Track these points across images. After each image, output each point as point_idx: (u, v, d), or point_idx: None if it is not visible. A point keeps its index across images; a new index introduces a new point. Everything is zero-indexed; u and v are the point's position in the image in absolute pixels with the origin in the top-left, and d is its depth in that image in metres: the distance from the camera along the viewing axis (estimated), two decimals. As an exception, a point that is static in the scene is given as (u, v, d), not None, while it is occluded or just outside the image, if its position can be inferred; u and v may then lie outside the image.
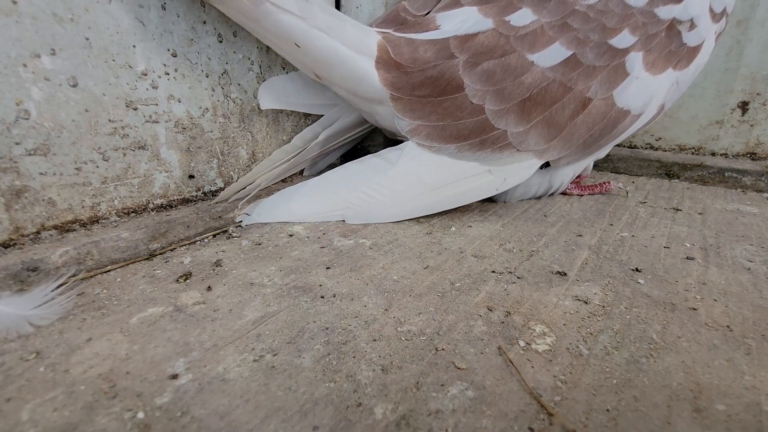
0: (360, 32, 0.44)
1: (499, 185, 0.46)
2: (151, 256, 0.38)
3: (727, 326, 0.28)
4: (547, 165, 0.49)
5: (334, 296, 0.32)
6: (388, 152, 0.47)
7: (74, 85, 0.36)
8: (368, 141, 0.68)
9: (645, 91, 0.45)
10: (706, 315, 0.29)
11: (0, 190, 0.34)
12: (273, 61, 0.53)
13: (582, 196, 0.56)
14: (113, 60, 0.38)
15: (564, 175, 0.52)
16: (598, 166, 0.72)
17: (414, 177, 0.45)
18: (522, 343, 0.26)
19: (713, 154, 0.70)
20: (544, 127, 0.43)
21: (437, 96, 0.44)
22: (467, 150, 0.44)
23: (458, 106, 0.43)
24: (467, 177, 0.45)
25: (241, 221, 0.45)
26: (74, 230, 0.38)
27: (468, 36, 0.43)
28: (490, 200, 0.53)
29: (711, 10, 0.46)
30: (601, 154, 0.51)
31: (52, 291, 0.30)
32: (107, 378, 0.23)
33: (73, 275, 0.33)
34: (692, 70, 0.47)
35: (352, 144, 0.65)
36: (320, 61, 0.44)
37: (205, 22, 0.44)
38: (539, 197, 0.55)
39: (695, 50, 0.46)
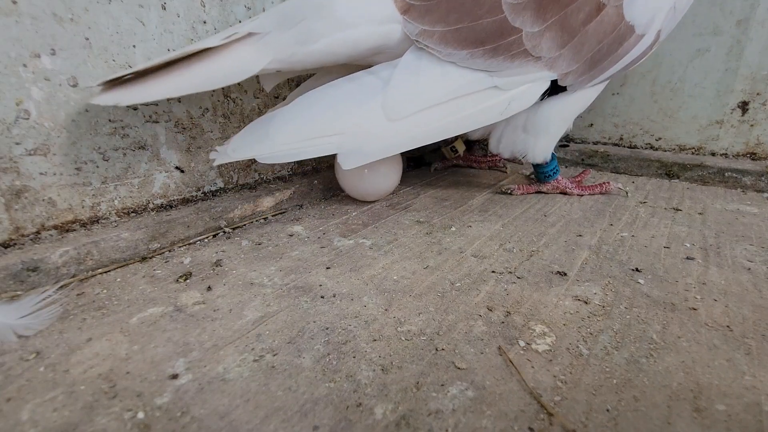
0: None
1: (503, 109, 0.45)
2: (151, 256, 0.38)
3: (727, 326, 0.28)
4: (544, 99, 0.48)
5: (334, 296, 0.32)
6: (381, 69, 0.43)
7: (74, 85, 0.36)
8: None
9: (649, 7, 0.44)
10: (706, 315, 0.29)
11: (0, 190, 0.34)
12: (273, 61, 0.53)
13: (582, 196, 0.56)
14: (113, 60, 0.38)
15: (552, 119, 0.50)
16: (598, 166, 0.72)
17: (411, 91, 0.42)
18: (522, 343, 0.26)
19: (713, 154, 0.70)
20: (558, 30, 0.43)
21: None
22: (479, 56, 0.42)
23: (477, 2, 0.41)
24: (471, 93, 0.43)
25: (214, 160, 0.40)
26: (74, 230, 0.38)
27: None
28: (491, 200, 0.53)
29: None
30: (601, 86, 0.50)
31: (42, 300, 0.29)
32: (107, 378, 0.23)
33: (58, 288, 0.33)
34: None
35: None
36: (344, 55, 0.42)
37: (205, 22, 0.44)
38: (525, 156, 0.53)
39: None
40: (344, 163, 0.42)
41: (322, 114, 0.42)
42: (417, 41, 0.42)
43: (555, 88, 0.47)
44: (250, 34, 0.37)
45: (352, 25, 0.40)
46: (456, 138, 0.69)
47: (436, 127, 0.43)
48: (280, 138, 0.41)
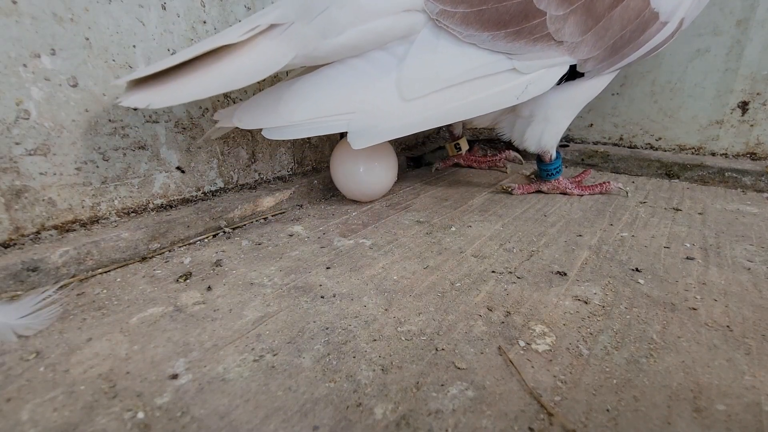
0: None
1: (520, 92, 0.44)
2: (151, 256, 0.38)
3: (727, 326, 0.28)
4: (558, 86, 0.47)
5: (334, 296, 0.32)
6: (396, 45, 0.42)
7: (74, 85, 0.36)
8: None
9: None
10: (706, 315, 0.29)
11: (0, 190, 0.34)
12: (273, 61, 0.53)
13: (582, 196, 0.56)
14: (113, 60, 0.38)
15: (562, 106, 0.50)
16: (598, 166, 0.72)
17: (428, 70, 0.41)
18: (522, 343, 0.26)
19: (713, 154, 0.70)
20: (582, 15, 0.42)
21: None
22: (501, 39, 0.42)
23: None
24: (489, 74, 0.43)
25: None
26: (74, 230, 0.38)
27: None
28: (491, 200, 0.53)
29: None
30: (612, 75, 0.49)
31: (42, 300, 0.29)
32: (107, 378, 0.23)
33: (58, 288, 0.33)
34: None
35: None
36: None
37: (205, 22, 0.44)
38: (525, 143, 0.53)
39: None
40: (354, 143, 0.41)
41: (335, 91, 0.41)
42: (437, 20, 0.41)
43: (571, 74, 0.46)
44: (272, 26, 0.36)
45: (376, 14, 0.39)
46: (462, 135, 0.69)
47: (451, 108, 0.42)
48: (290, 113, 0.39)
